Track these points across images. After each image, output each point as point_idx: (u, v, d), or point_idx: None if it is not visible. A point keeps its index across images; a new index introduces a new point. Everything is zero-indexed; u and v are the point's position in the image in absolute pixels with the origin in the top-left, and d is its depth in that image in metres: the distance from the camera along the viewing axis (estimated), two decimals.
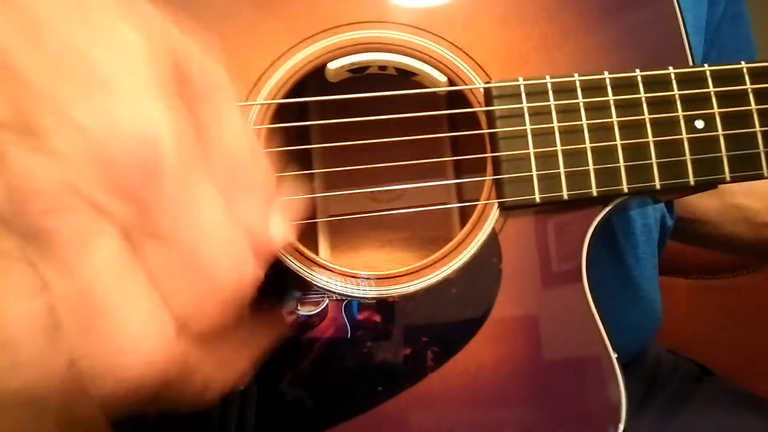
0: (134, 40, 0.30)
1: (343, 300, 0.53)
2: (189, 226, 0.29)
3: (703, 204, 0.89)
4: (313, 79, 0.56)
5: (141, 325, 0.28)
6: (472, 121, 0.56)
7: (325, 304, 0.53)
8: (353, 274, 0.53)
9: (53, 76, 0.27)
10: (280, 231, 0.34)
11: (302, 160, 0.63)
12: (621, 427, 0.54)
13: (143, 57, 0.29)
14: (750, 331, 1.09)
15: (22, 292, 0.27)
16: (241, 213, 0.32)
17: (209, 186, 0.30)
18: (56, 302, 0.27)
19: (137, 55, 0.29)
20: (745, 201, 0.86)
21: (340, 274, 0.53)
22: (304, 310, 0.53)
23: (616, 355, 0.54)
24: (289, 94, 0.54)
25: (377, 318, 0.54)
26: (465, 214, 0.63)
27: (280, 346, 0.51)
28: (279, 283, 0.53)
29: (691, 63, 0.57)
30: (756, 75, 0.56)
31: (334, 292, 0.53)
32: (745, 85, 0.55)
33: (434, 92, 0.57)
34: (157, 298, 0.29)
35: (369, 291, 0.53)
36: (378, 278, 0.54)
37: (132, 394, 0.29)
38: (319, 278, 0.53)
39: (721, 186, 0.56)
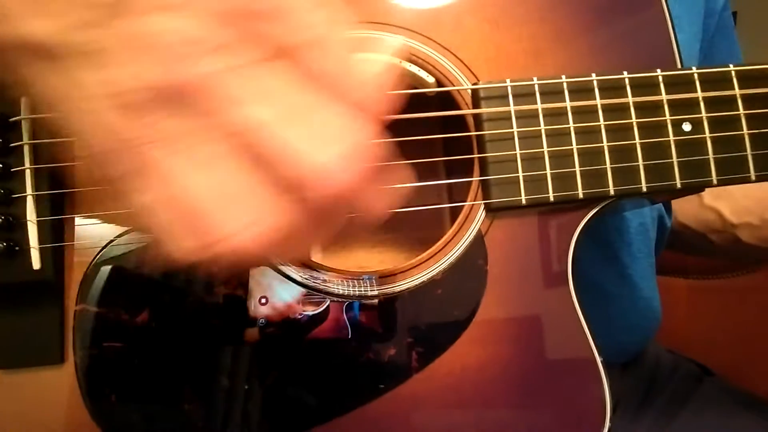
0: None
1: (337, 300, 0.53)
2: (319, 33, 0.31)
3: (679, 206, 0.89)
4: None
5: (343, 119, 0.31)
6: (461, 122, 0.56)
7: (325, 304, 0.53)
8: (342, 274, 0.53)
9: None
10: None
11: None
12: (605, 429, 0.53)
13: None
14: (750, 331, 1.08)
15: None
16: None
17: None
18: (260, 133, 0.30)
19: None
20: (713, 203, 0.85)
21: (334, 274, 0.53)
22: (305, 309, 0.53)
23: (601, 359, 0.53)
24: None
25: (363, 318, 0.53)
26: (456, 215, 0.62)
27: (279, 346, 0.52)
28: None
29: (679, 66, 0.56)
30: (744, 78, 0.55)
31: (327, 293, 0.53)
32: (733, 89, 0.54)
33: (421, 93, 0.56)
34: (262, 172, 0.31)
35: (350, 290, 0.53)
36: (351, 277, 0.54)
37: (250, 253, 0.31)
38: (315, 281, 0.53)
39: None
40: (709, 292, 1.14)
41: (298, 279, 0.54)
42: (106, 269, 0.53)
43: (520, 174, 0.53)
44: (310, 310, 0.53)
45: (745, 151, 0.54)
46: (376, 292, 0.53)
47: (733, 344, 1.08)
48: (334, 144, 0.31)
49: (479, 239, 0.54)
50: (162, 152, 0.30)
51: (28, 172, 0.51)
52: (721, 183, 0.54)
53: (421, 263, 0.54)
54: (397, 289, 0.54)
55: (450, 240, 0.54)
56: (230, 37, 0.30)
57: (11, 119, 0.51)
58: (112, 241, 0.53)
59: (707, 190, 0.83)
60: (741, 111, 0.54)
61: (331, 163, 0.30)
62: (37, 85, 0.32)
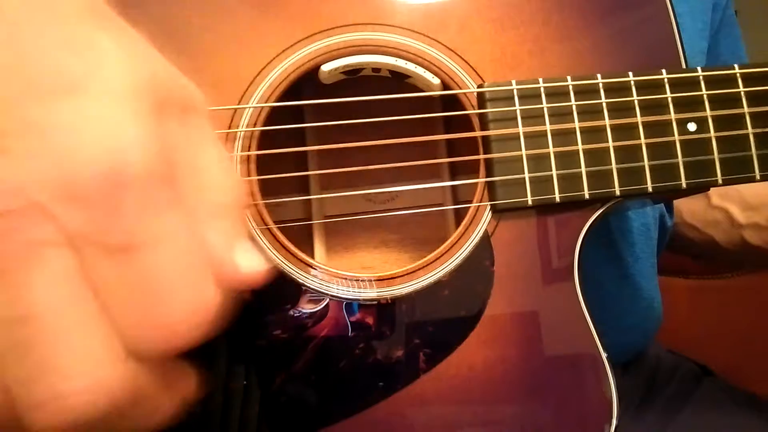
0: (111, 49, 0.28)
1: (341, 300, 0.53)
2: (147, 243, 0.27)
3: (687, 207, 0.88)
4: (307, 80, 0.56)
5: (87, 350, 0.26)
6: (466, 123, 0.55)
7: (324, 303, 0.53)
8: (341, 276, 0.53)
9: (15, 76, 0.26)
10: (248, 261, 0.31)
11: (298, 162, 0.63)
12: (613, 425, 0.53)
13: (119, 66, 0.28)
14: (750, 331, 1.08)
15: None
16: (207, 238, 0.30)
17: (174, 205, 0.28)
18: None
19: (113, 64, 0.28)
20: (721, 203, 0.85)
21: (332, 275, 0.53)
22: (306, 309, 0.53)
23: (606, 354, 0.53)
24: (283, 95, 0.54)
25: (369, 320, 0.53)
26: (460, 216, 0.62)
27: (281, 346, 0.51)
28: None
29: (684, 66, 0.56)
30: (749, 78, 0.54)
31: (328, 294, 0.52)
32: (738, 88, 0.54)
33: (427, 96, 0.56)
34: (106, 321, 0.27)
35: (359, 293, 0.53)
36: (360, 280, 0.53)
37: (77, 422, 0.26)
38: (313, 281, 0.52)
39: None
40: (709, 292, 1.14)
41: (300, 282, 0.53)
42: None
43: (526, 174, 0.53)
44: (314, 311, 0.53)
45: (750, 150, 0.54)
46: (383, 295, 0.53)
47: (733, 344, 1.08)
48: (58, 385, 0.26)
49: (486, 240, 0.54)
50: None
51: None
52: (726, 183, 0.54)
53: (427, 264, 0.54)
54: (404, 290, 0.53)
55: (456, 241, 0.54)
56: (35, 210, 0.25)
57: None
58: None
59: (714, 190, 0.83)
60: (746, 110, 0.54)
61: (46, 406, 0.25)
62: None
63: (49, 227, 0.25)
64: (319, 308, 0.53)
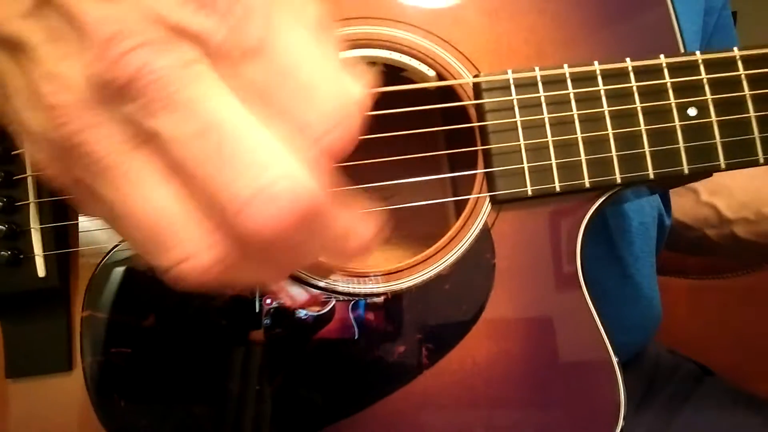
0: None
1: (343, 299, 0.50)
2: (285, 34, 0.26)
3: (677, 204, 0.85)
4: None
5: (275, 144, 0.26)
6: (463, 114, 0.53)
7: (332, 304, 0.50)
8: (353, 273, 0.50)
9: None
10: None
11: None
12: (618, 428, 0.50)
13: None
14: (750, 331, 1.05)
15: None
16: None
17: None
18: (174, 147, 0.25)
19: None
20: (709, 199, 0.82)
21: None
22: (312, 311, 0.50)
23: (617, 359, 0.50)
24: None
25: (371, 316, 0.50)
26: (461, 210, 0.59)
27: (285, 347, 0.49)
28: None
29: (682, 51, 0.53)
30: (749, 61, 0.51)
31: (334, 291, 0.50)
32: (739, 71, 0.51)
33: (422, 88, 0.53)
34: (277, 118, 0.26)
35: (356, 288, 0.50)
36: (357, 275, 0.51)
37: (283, 212, 0.25)
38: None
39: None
40: (709, 292, 1.11)
41: (305, 278, 0.50)
42: (112, 274, 0.50)
43: (525, 165, 0.50)
44: (316, 310, 0.50)
45: (753, 134, 0.50)
46: (383, 290, 0.50)
47: (733, 344, 1.06)
48: (261, 177, 0.25)
49: (486, 232, 0.51)
50: (95, 168, 0.26)
51: (30, 180, 0.48)
52: (729, 167, 0.50)
53: (427, 258, 0.51)
54: (404, 285, 0.50)
55: (456, 234, 0.51)
56: (171, 32, 0.25)
57: None
58: (116, 245, 0.50)
59: (703, 186, 0.81)
60: (747, 92, 0.51)
61: (255, 199, 0.25)
62: None
63: (193, 46, 0.25)
64: (326, 309, 0.50)
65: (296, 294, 0.50)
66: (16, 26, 0.25)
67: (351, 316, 0.50)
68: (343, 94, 0.27)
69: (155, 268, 0.27)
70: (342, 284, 0.50)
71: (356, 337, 0.50)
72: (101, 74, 0.24)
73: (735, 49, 0.51)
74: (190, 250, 0.26)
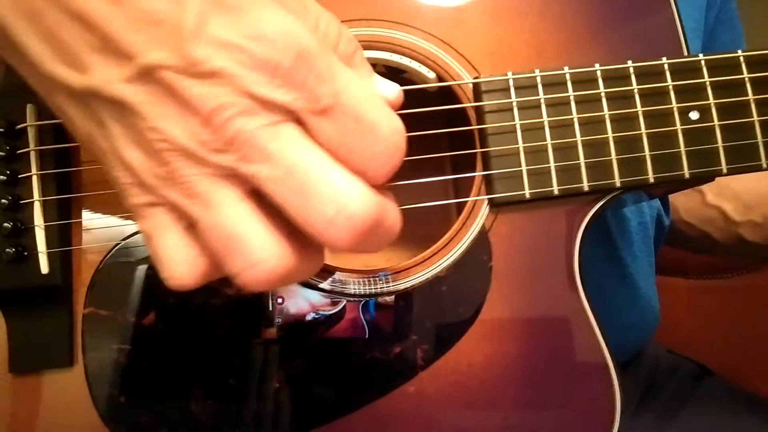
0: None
1: (352, 300, 0.49)
2: (348, 90, 0.32)
3: (683, 205, 0.84)
4: None
5: (345, 183, 0.31)
6: (464, 118, 0.51)
7: (342, 305, 0.49)
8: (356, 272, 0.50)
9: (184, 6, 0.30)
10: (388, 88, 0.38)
11: None
12: (615, 429, 0.48)
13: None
14: (750, 331, 1.03)
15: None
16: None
17: (342, 65, 0.33)
18: (269, 186, 0.31)
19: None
20: (715, 201, 0.80)
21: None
22: (322, 311, 0.50)
23: (613, 362, 0.49)
24: None
25: (368, 318, 0.49)
26: (461, 212, 0.58)
27: (294, 346, 0.49)
28: None
29: (685, 54, 0.51)
30: (753, 64, 0.49)
31: (338, 292, 0.50)
32: (742, 74, 0.49)
33: (422, 89, 0.52)
34: (347, 160, 0.32)
35: (350, 288, 0.49)
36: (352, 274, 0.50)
37: (356, 230, 0.31)
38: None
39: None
40: (709, 292, 1.09)
41: (313, 280, 0.50)
42: (114, 272, 0.50)
43: (524, 167, 0.48)
44: (326, 310, 0.49)
45: (756, 138, 0.48)
46: (385, 290, 0.49)
47: (733, 344, 1.04)
48: (338, 201, 0.31)
49: (483, 235, 0.49)
50: (183, 198, 0.32)
51: (35, 178, 0.48)
52: (732, 172, 0.49)
53: (424, 260, 0.49)
54: (401, 286, 0.49)
55: (454, 236, 0.50)
56: (258, 103, 0.31)
57: (18, 126, 0.49)
58: (119, 243, 0.50)
59: (709, 187, 0.79)
60: (750, 96, 0.49)
61: (337, 217, 0.31)
62: (66, 117, 0.33)
63: (274, 111, 0.31)
64: (336, 309, 0.49)
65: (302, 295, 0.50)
66: (120, 89, 0.30)
67: (356, 315, 0.49)
68: (397, 126, 0.33)
69: (227, 275, 0.32)
70: (349, 285, 0.49)
71: (356, 338, 0.49)
72: (208, 135, 0.30)
73: (739, 51, 0.49)
74: (262, 256, 0.32)
